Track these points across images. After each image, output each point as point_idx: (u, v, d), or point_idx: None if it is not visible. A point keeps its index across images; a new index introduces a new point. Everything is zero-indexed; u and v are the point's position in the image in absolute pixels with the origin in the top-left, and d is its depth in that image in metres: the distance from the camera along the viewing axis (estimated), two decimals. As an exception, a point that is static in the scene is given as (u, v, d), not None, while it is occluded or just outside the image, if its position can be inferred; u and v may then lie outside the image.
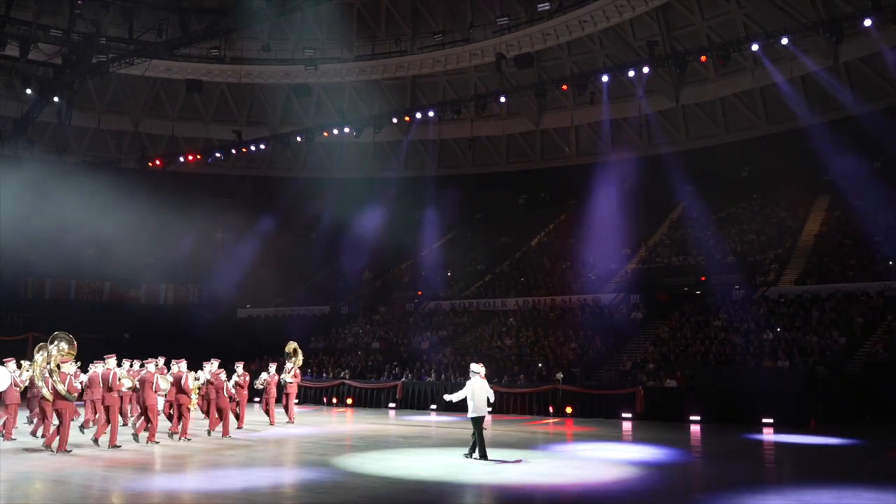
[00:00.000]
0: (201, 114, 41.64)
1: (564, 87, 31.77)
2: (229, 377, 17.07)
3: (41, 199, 31.64)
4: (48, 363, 13.24)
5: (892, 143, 29.57)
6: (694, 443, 17.13)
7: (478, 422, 12.58)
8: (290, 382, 19.73)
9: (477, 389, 12.67)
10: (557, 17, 33.41)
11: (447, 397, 13.40)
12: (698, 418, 20.29)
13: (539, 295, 31.60)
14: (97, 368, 14.55)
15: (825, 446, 16.13)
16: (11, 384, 15.51)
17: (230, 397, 16.75)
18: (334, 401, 27.18)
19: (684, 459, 14.21)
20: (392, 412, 24.71)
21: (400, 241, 39.81)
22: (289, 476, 11.84)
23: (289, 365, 19.87)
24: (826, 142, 30.75)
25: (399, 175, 42.55)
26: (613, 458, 13.76)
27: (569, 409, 22.39)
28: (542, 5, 32.92)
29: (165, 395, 15.67)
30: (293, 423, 19.19)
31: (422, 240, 40.66)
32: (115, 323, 32.98)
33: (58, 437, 13.26)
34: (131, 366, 17.43)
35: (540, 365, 24.96)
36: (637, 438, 17.52)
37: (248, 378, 17.81)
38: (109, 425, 14.23)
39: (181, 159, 37.93)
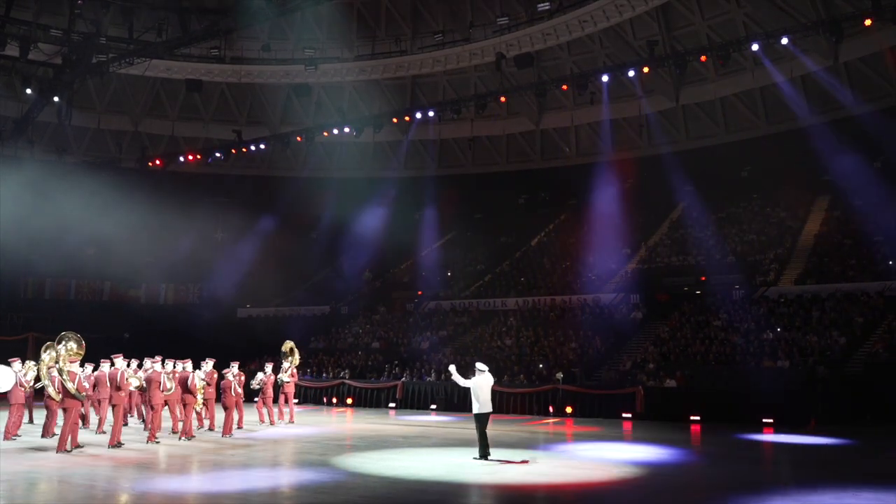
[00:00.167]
0: (201, 114, 41.64)
1: (564, 87, 31.76)
2: (224, 377, 17.11)
3: (41, 199, 31.63)
4: (57, 362, 13.36)
5: (892, 143, 29.57)
6: (694, 443, 17.13)
7: (481, 418, 12.57)
8: (287, 382, 19.71)
9: (482, 385, 12.68)
10: (557, 17, 33.41)
11: (452, 370, 13.29)
12: (698, 418, 20.29)
13: (539, 295, 31.60)
14: (104, 368, 14.59)
15: (825, 446, 16.13)
16: (16, 384, 15.55)
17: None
18: (334, 401, 27.18)
19: (684, 459, 14.21)
20: (392, 412, 24.71)
21: (400, 241, 39.79)
22: (289, 476, 11.84)
23: (285, 364, 19.86)
24: (826, 142, 30.77)
25: (399, 175, 42.57)
26: (613, 458, 13.76)
27: (569, 409, 22.39)
28: (542, 5, 32.92)
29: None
30: (293, 423, 19.19)
31: (422, 240, 40.67)
32: (115, 323, 32.93)
33: (66, 435, 13.34)
34: (139, 365, 17.41)
35: (540, 365, 24.97)
36: (637, 438, 17.51)
37: (243, 378, 17.80)
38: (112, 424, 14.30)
39: (181, 159, 37.90)
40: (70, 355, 13.26)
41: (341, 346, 31.93)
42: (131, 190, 33.56)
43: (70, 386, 13.12)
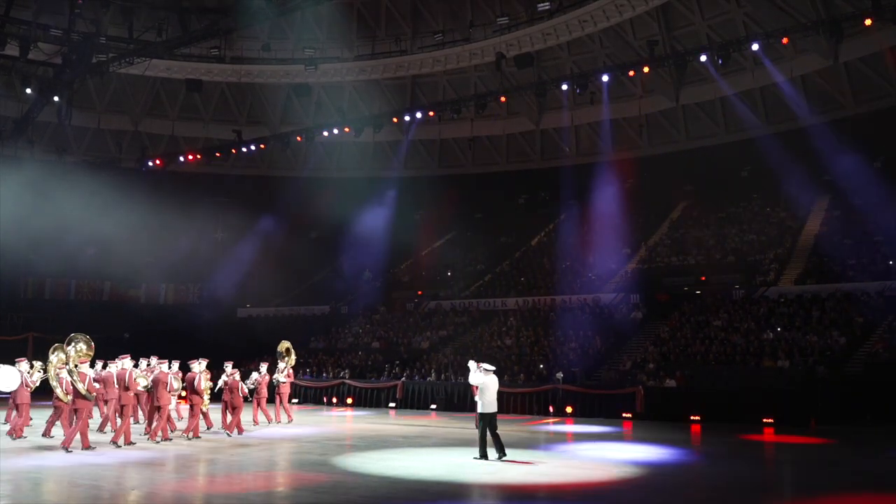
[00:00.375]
0: (201, 113, 41.65)
1: (564, 86, 31.76)
2: (218, 377, 17.17)
3: (41, 199, 31.63)
4: (67, 363, 13.54)
5: (892, 143, 29.58)
6: (694, 443, 17.12)
7: (485, 418, 12.56)
8: (283, 382, 19.69)
9: (489, 385, 12.69)
10: (557, 17, 33.40)
11: (472, 367, 13.27)
12: (698, 418, 20.29)
13: (539, 295, 31.60)
14: (111, 368, 14.65)
15: (825, 446, 16.13)
16: (22, 384, 15.59)
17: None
18: (334, 401, 27.18)
19: (684, 459, 14.21)
20: (392, 412, 24.71)
21: (400, 241, 39.81)
22: (289, 476, 11.84)
23: (281, 365, 19.84)
24: (826, 142, 30.76)
25: (399, 175, 42.56)
26: (613, 458, 13.76)
27: (569, 409, 22.40)
28: (542, 5, 32.90)
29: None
30: (292, 421, 19.19)
31: (422, 240, 40.66)
32: (115, 323, 32.92)
33: (74, 434, 13.49)
34: (149, 364, 17.41)
35: (541, 365, 24.97)
36: (637, 438, 17.51)
37: (237, 378, 17.77)
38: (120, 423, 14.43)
39: (181, 159, 37.91)
40: (80, 356, 13.46)
41: (341, 346, 31.94)
42: (131, 190, 33.57)
43: (80, 387, 13.29)
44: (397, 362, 28.03)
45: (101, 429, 16.06)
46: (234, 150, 37.14)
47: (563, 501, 10.01)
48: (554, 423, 20.90)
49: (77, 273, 38.06)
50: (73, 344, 13.48)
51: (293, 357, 20.23)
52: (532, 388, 23.43)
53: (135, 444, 14.18)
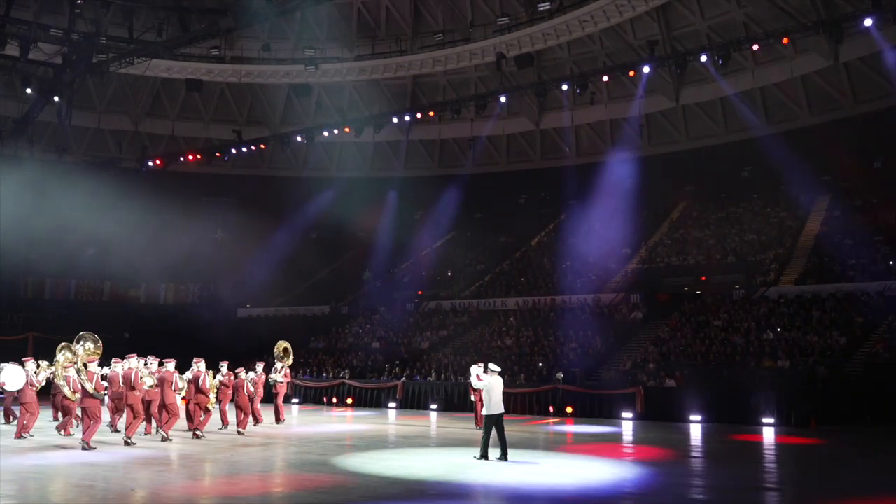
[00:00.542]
0: (201, 113, 41.64)
1: (564, 86, 31.75)
2: (214, 377, 17.16)
3: (41, 199, 31.63)
4: (76, 363, 13.67)
5: (892, 143, 29.57)
6: (694, 443, 17.12)
7: (491, 419, 12.56)
8: (281, 383, 19.68)
9: (494, 386, 12.69)
10: (558, 17, 33.38)
11: (474, 372, 13.31)
12: (698, 418, 20.30)
13: (539, 295, 31.60)
14: (117, 368, 14.72)
15: (825, 446, 16.13)
16: (27, 384, 15.63)
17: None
18: (334, 401, 27.18)
19: (684, 460, 14.21)
20: (392, 412, 24.70)
21: (400, 241, 39.80)
22: (289, 476, 11.83)
23: (279, 365, 19.83)
24: (826, 142, 30.78)
25: (399, 175, 42.55)
26: (613, 458, 13.76)
27: (569, 409, 22.40)
28: (542, 5, 32.90)
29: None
30: (283, 421, 19.14)
31: (422, 240, 40.65)
32: (115, 323, 32.88)
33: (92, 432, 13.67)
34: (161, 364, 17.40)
35: (540, 365, 24.97)
36: (637, 438, 17.51)
37: (232, 378, 17.81)
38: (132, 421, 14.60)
39: (181, 159, 37.91)
40: (88, 355, 13.58)
41: (341, 346, 31.94)
42: (131, 190, 33.56)
43: (89, 386, 13.40)
44: (397, 362, 28.02)
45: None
46: (233, 150, 37.09)
47: (563, 501, 10.00)
48: (554, 423, 20.90)
49: (77, 273, 38.05)
50: (81, 343, 13.64)
51: (290, 358, 20.23)
52: (532, 388, 23.43)
53: (135, 444, 14.21)
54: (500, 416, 12.61)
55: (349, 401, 26.86)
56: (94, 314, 33.23)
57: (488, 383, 12.71)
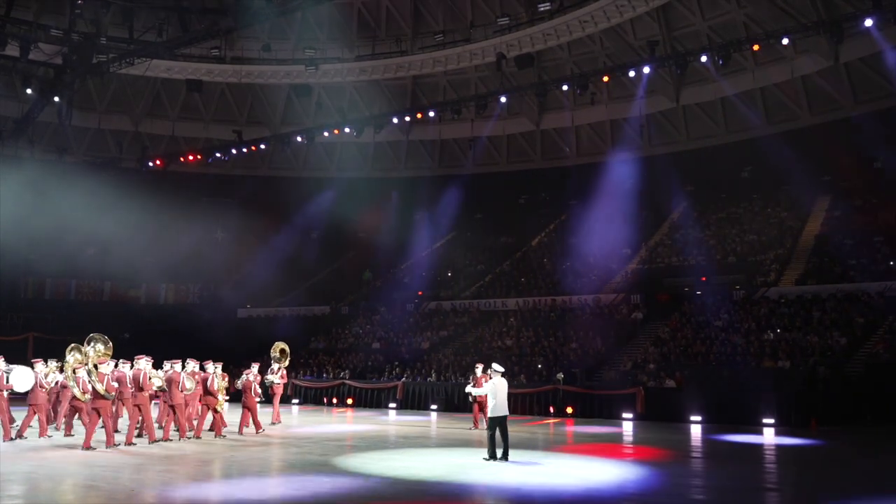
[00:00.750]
0: (201, 114, 41.62)
1: (565, 87, 31.75)
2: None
3: (41, 199, 31.64)
4: (86, 364, 13.75)
5: (892, 143, 29.55)
6: (694, 443, 17.11)
7: (495, 421, 12.55)
8: (277, 383, 19.67)
9: (499, 388, 12.68)
10: (558, 17, 33.37)
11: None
12: (699, 419, 20.29)
13: (539, 295, 31.60)
14: (125, 368, 14.75)
15: (826, 447, 16.12)
16: (36, 385, 15.63)
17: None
18: (334, 401, 27.19)
19: (685, 460, 14.21)
20: (392, 412, 24.70)
21: (400, 241, 39.80)
22: (289, 476, 11.82)
23: (275, 366, 19.82)
24: (826, 142, 30.75)
25: (399, 175, 42.53)
26: (613, 458, 13.76)
27: (569, 410, 22.40)
28: (542, 5, 32.89)
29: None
30: (279, 422, 19.11)
31: (422, 240, 40.65)
32: (115, 323, 32.79)
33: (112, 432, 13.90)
34: (184, 366, 17.35)
35: (540, 365, 24.96)
36: (637, 439, 17.51)
37: (227, 378, 17.77)
38: (139, 424, 14.84)
39: (181, 159, 37.90)
40: (98, 356, 13.65)
41: (341, 346, 31.94)
42: (131, 190, 33.54)
43: (99, 387, 13.47)
44: (397, 363, 28.02)
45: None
46: (234, 151, 37.07)
47: (563, 501, 10.00)
48: (554, 423, 20.90)
49: (77, 273, 38.06)
50: (91, 344, 13.70)
51: (287, 359, 20.21)
52: (532, 388, 23.42)
53: (135, 444, 14.22)
54: (503, 417, 12.59)
55: (349, 401, 26.85)
56: (95, 314, 33.28)
57: (492, 388, 12.67)
